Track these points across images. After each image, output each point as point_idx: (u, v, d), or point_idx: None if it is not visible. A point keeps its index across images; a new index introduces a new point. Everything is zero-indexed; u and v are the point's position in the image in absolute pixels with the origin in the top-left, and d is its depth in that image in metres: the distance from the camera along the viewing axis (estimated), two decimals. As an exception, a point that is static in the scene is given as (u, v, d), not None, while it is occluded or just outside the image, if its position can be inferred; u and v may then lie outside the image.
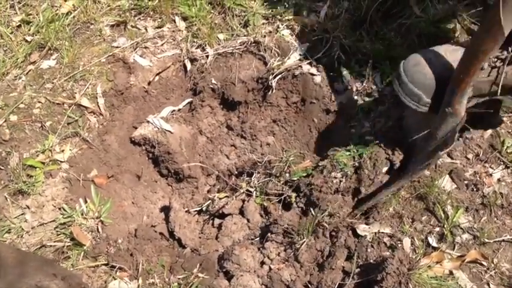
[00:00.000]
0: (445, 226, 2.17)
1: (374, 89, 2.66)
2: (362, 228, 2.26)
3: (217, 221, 2.63)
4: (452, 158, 2.34)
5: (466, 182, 2.26)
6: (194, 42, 2.93)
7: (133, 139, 2.82)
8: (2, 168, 2.49)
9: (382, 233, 2.23)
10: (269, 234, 2.37)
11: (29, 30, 2.97)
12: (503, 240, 2.12)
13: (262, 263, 2.30)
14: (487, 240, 2.11)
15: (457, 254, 2.11)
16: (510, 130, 2.35)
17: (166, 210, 2.69)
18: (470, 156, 2.32)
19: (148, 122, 2.82)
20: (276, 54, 2.82)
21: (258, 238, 2.46)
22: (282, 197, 2.49)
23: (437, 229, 2.19)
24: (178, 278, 2.29)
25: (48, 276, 1.93)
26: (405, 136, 2.30)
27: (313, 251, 2.29)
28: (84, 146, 2.65)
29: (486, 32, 1.60)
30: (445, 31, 2.70)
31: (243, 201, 2.61)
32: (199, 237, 2.57)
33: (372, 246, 2.18)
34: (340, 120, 2.72)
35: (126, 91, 2.83)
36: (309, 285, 2.21)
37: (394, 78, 2.13)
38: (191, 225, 2.55)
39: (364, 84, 2.68)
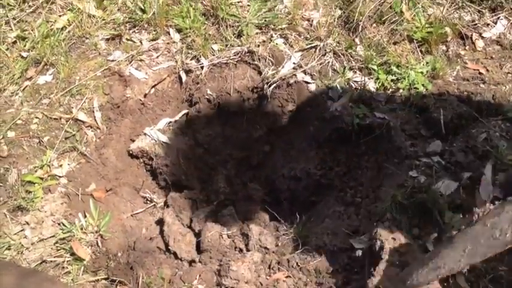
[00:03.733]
0: (443, 231, 2.17)
1: (368, 95, 2.68)
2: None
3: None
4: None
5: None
6: (189, 53, 2.95)
7: (130, 152, 2.83)
8: (1, 184, 2.50)
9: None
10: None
11: (25, 46, 2.98)
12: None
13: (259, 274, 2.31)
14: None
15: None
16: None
17: (161, 224, 2.70)
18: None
19: (145, 134, 2.83)
20: (270, 64, 2.84)
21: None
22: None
23: (435, 234, 2.20)
24: (178, 290, 2.30)
25: (48, 293, 1.95)
26: None
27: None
28: (82, 160, 2.66)
29: None
30: (436, 36, 2.72)
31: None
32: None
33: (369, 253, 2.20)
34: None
35: (123, 104, 2.84)
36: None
37: None
38: (186, 238, 2.55)
39: (358, 91, 2.69)
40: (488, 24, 2.79)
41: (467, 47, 2.74)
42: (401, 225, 2.25)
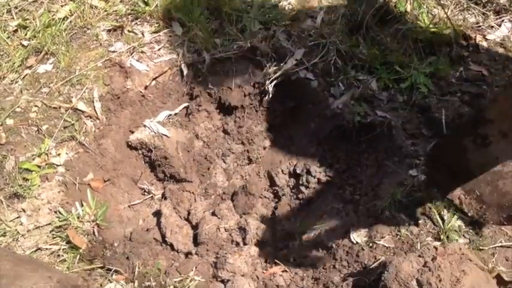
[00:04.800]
0: (441, 230, 2.17)
1: (370, 94, 2.67)
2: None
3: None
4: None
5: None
6: (191, 47, 2.93)
7: (129, 143, 2.81)
8: (-2, 171, 2.49)
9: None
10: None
11: (26, 35, 2.96)
12: (501, 246, 2.12)
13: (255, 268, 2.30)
14: (482, 248, 2.12)
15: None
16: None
17: (158, 215, 2.68)
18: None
19: (144, 126, 2.81)
20: (273, 59, 2.83)
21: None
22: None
23: (434, 233, 2.19)
24: (174, 281, 2.28)
25: (43, 279, 1.92)
26: None
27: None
28: (80, 150, 2.65)
29: None
30: (440, 37, 2.72)
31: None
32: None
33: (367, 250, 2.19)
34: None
35: (123, 95, 2.82)
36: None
37: None
38: (183, 231, 2.54)
39: (360, 89, 2.69)
40: (492, 27, 2.79)
41: (470, 49, 2.74)
42: (400, 223, 2.25)
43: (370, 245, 2.22)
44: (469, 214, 2.20)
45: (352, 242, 2.26)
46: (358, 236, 2.27)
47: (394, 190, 2.32)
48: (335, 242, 2.30)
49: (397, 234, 2.22)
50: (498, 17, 2.82)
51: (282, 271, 2.29)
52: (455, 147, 2.27)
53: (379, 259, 2.14)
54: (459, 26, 2.74)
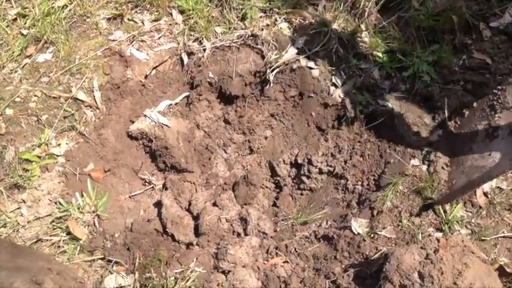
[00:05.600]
0: (444, 221, 2.15)
1: (372, 83, 2.65)
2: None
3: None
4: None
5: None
6: (191, 35, 2.91)
7: (130, 133, 2.80)
8: (-2, 162, 2.48)
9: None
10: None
11: (25, 23, 2.94)
12: (503, 237, 2.11)
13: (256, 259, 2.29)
14: (484, 238, 2.10)
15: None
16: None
17: (159, 206, 2.68)
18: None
19: (145, 116, 2.80)
20: (274, 48, 2.80)
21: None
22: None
23: (436, 223, 2.18)
24: (175, 272, 2.28)
25: (43, 271, 1.93)
26: None
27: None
28: (80, 140, 2.63)
29: None
30: (443, 25, 2.69)
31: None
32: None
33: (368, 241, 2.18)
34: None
35: (123, 85, 2.80)
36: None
37: None
38: (184, 221, 2.53)
39: (362, 78, 2.66)
40: (495, 14, 2.75)
41: (474, 37, 2.71)
42: (401, 214, 2.24)
43: (372, 235, 2.21)
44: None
45: (353, 233, 2.25)
46: (360, 227, 2.26)
47: (395, 180, 2.31)
48: (336, 233, 2.29)
49: (398, 225, 2.21)
50: (502, 4, 2.78)
51: (283, 262, 2.28)
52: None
53: (381, 250, 2.13)
54: (462, 14, 2.70)
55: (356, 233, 2.24)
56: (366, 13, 2.78)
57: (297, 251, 2.32)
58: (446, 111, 2.48)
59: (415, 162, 2.38)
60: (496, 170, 2.05)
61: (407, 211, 2.24)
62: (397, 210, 2.25)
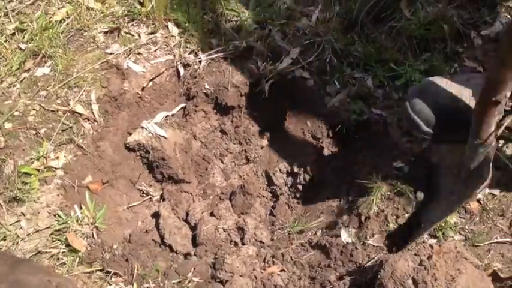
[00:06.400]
0: (437, 227, 2.18)
1: (365, 92, 2.68)
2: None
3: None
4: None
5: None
6: (187, 47, 2.95)
7: (127, 145, 2.83)
8: (-3, 175, 2.50)
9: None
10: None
11: (23, 38, 2.97)
12: (496, 242, 2.14)
13: (254, 268, 2.31)
14: (477, 244, 2.13)
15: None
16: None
17: (157, 217, 2.70)
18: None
19: (142, 127, 2.83)
20: (268, 59, 2.84)
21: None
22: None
23: (430, 230, 2.20)
24: (173, 283, 2.30)
25: (42, 283, 1.95)
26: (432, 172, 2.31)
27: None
28: (78, 153, 2.66)
29: (502, 62, 1.54)
30: (435, 33, 2.72)
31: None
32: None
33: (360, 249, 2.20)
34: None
35: (120, 97, 2.84)
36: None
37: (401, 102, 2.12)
38: (182, 231, 2.56)
39: (355, 87, 2.69)
40: (486, 23, 2.79)
41: (465, 45, 2.74)
42: (387, 218, 2.26)
43: (362, 243, 2.24)
44: None
45: (344, 242, 2.28)
46: (349, 236, 2.29)
47: (379, 184, 2.33)
48: (329, 241, 2.31)
49: (386, 230, 2.23)
50: (492, 12, 2.82)
51: (280, 270, 2.30)
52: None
53: (373, 258, 2.15)
54: (453, 23, 2.74)
55: (345, 242, 2.27)
56: (359, 23, 2.82)
57: (292, 259, 2.34)
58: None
59: (397, 164, 2.41)
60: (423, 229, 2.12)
61: (394, 214, 2.27)
62: (383, 214, 2.28)
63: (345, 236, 2.28)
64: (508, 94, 1.62)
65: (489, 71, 1.77)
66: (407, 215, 2.26)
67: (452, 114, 1.94)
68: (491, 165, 1.81)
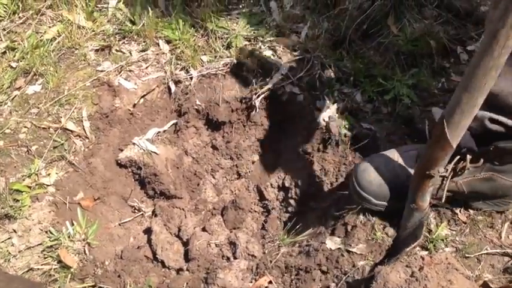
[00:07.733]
0: (428, 239, 2.20)
1: (355, 106, 2.72)
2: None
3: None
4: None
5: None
6: (178, 64, 2.98)
7: (119, 161, 2.84)
8: (-12, 193, 2.50)
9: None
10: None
11: (14, 56, 2.99)
12: (486, 253, 2.16)
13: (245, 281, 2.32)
14: (468, 255, 2.15)
15: (440, 266, 2.13)
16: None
17: (149, 233, 2.70)
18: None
19: (133, 144, 2.84)
20: (259, 75, 2.88)
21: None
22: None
23: (421, 242, 2.22)
24: (166, 298, 2.31)
25: (35, 299, 1.94)
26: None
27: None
28: (70, 170, 2.67)
29: (436, 143, 1.72)
30: (422, 49, 2.77)
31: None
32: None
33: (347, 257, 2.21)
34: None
35: (111, 114, 2.85)
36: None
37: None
38: (174, 247, 2.56)
39: (345, 102, 2.73)
40: (472, 38, 2.85)
41: (451, 60, 2.80)
42: (374, 226, 2.27)
43: (348, 250, 2.24)
44: None
45: (330, 249, 2.28)
46: (335, 244, 2.29)
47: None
48: (315, 247, 2.31)
49: (372, 238, 2.24)
50: (477, 28, 2.88)
51: (268, 282, 2.31)
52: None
53: (358, 266, 2.16)
54: (440, 38, 2.79)
55: (329, 249, 2.27)
56: (347, 40, 2.87)
57: (279, 267, 2.34)
58: (427, 132, 2.54)
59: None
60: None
61: (381, 224, 2.28)
62: (370, 223, 2.29)
63: (331, 243, 2.28)
64: (442, 169, 1.81)
65: (424, 149, 1.92)
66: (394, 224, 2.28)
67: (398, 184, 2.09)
68: (424, 228, 2.02)
